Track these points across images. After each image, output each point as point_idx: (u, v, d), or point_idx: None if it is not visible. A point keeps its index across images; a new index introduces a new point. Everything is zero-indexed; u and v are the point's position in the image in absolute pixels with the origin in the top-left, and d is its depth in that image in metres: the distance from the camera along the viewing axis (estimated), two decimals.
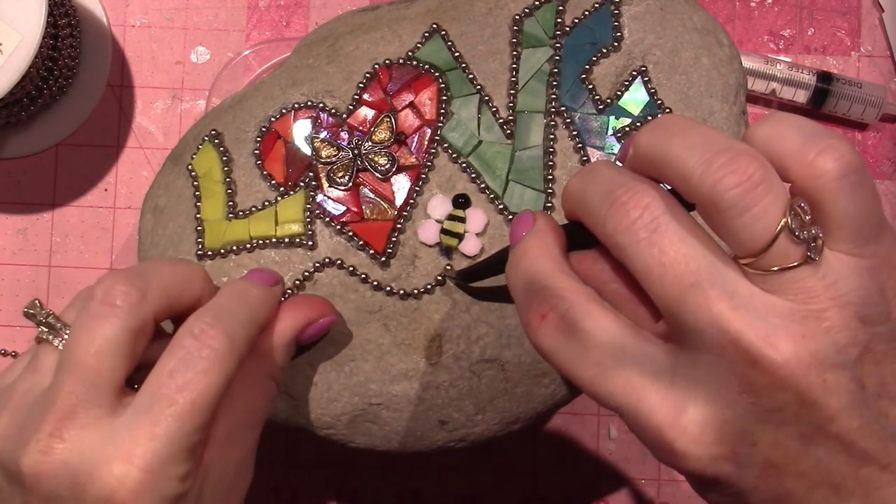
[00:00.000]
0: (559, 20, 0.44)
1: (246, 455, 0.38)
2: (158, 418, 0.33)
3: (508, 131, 0.44)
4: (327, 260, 0.43)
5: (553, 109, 0.44)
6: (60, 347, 0.36)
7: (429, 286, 0.43)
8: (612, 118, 0.44)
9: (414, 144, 0.44)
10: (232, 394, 0.37)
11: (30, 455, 0.33)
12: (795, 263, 0.28)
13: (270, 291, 0.40)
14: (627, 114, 0.44)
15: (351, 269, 0.43)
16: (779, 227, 0.27)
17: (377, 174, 0.43)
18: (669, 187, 0.30)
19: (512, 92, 0.44)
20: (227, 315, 0.36)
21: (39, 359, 0.36)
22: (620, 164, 0.32)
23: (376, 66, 0.44)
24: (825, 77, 0.56)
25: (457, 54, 0.44)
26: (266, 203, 0.44)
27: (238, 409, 0.37)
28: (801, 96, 0.56)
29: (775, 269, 0.28)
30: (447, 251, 0.43)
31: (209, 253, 0.43)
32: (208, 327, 0.35)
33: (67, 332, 0.36)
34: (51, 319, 0.36)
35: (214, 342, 0.35)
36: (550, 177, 0.43)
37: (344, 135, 0.44)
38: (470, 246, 0.43)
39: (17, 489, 0.34)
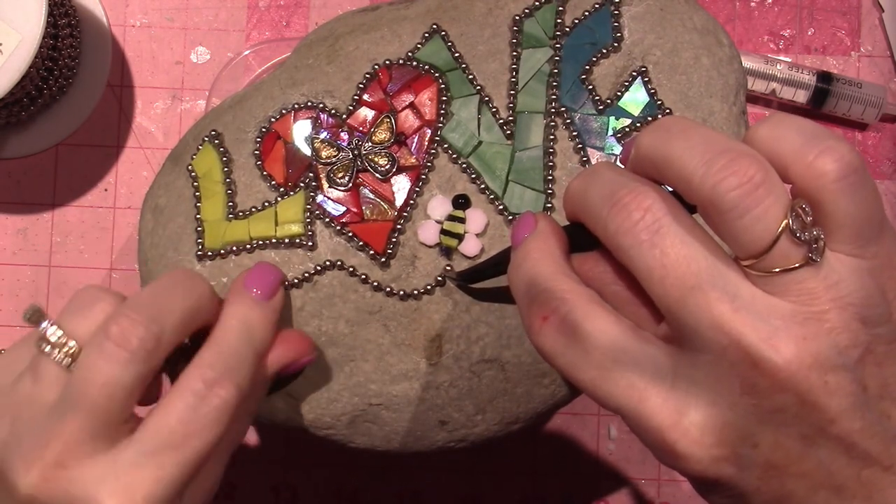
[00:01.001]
0: (559, 20, 0.44)
1: (213, 486, 0.38)
2: (164, 463, 0.34)
3: (508, 132, 0.44)
4: (328, 263, 0.43)
5: (553, 110, 0.44)
6: (63, 363, 0.36)
7: (429, 287, 0.43)
8: (612, 118, 0.44)
9: (414, 145, 0.44)
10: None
11: (31, 477, 0.34)
12: (797, 265, 0.28)
13: (270, 309, 0.40)
14: (627, 114, 0.44)
15: (351, 269, 0.43)
16: (780, 229, 0.27)
17: (377, 175, 0.43)
18: (671, 189, 0.30)
19: (512, 92, 0.44)
20: (236, 361, 0.37)
21: (41, 369, 0.36)
22: (622, 166, 0.32)
23: (376, 67, 0.44)
24: (825, 77, 0.56)
25: (457, 55, 0.44)
26: (266, 203, 0.44)
27: (219, 446, 0.38)
28: (801, 96, 0.56)
29: (776, 270, 0.28)
30: (447, 252, 0.43)
31: (209, 253, 0.43)
32: (220, 377, 0.36)
33: (70, 347, 0.36)
34: (50, 334, 0.36)
35: (224, 392, 0.36)
36: (550, 177, 0.43)
37: (344, 135, 0.44)
38: (470, 246, 0.43)
39: (6, 497, 0.34)
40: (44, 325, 0.36)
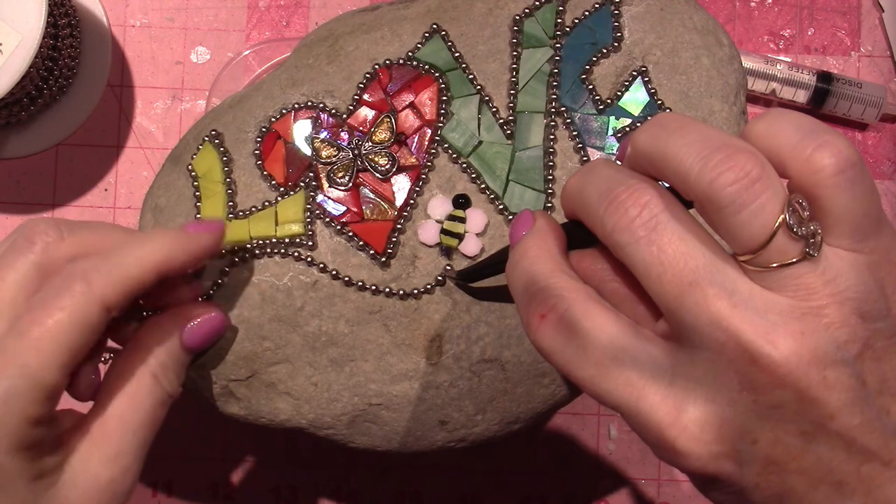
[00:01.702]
0: (559, 20, 0.44)
1: (119, 455, 0.37)
2: (17, 349, 0.34)
3: (508, 131, 0.44)
4: (322, 265, 0.43)
5: (553, 110, 0.44)
6: None
7: (429, 286, 0.43)
8: (612, 118, 0.44)
9: (414, 145, 0.44)
10: (107, 388, 0.38)
11: None
12: (794, 260, 0.28)
13: (185, 236, 0.39)
14: (628, 114, 0.44)
15: (347, 279, 0.43)
16: (777, 224, 0.27)
17: (377, 174, 0.43)
18: (668, 185, 0.30)
19: (512, 92, 0.44)
20: (106, 265, 0.36)
21: None
22: (619, 163, 0.32)
23: (376, 67, 0.44)
24: (825, 77, 0.56)
25: (457, 54, 0.44)
26: (266, 203, 0.44)
27: (115, 404, 0.37)
28: (801, 96, 0.56)
29: (774, 265, 0.28)
30: (447, 251, 0.43)
31: None
32: (73, 268, 0.36)
33: None
34: None
35: (76, 284, 0.35)
36: (550, 177, 0.43)
37: (344, 135, 0.44)
38: (470, 246, 0.43)
39: None
40: None
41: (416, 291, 0.43)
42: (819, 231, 0.28)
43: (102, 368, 0.39)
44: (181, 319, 0.40)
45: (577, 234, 0.33)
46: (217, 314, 0.41)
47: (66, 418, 0.38)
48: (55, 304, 0.35)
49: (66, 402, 0.37)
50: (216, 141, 0.45)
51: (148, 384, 0.39)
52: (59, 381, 0.35)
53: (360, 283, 0.43)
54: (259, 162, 0.44)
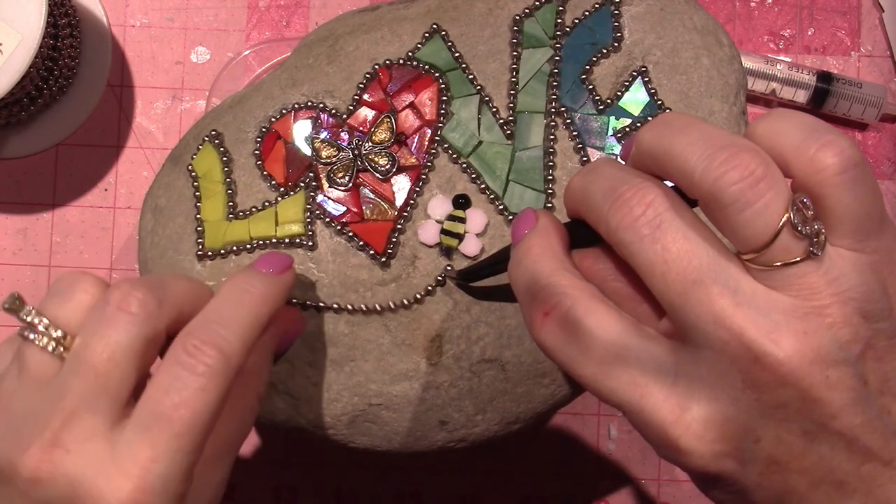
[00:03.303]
0: (559, 20, 0.44)
1: (223, 478, 0.37)
2: (158, 438, 0.32)
3: (508, 132, 0.44)
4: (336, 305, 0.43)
5: (553, 110, 0.44)
6: (48, 348, 0.34)
7: (429, 287, 0.43)
8: (612, 118, 0.44)
9: (414, 145, 0.44)
10: (222, 414, 0.36)
11: (30, 458, 0.32)
12: (798, 259, 0.28)
13: (276, 281, 0.38)
14: (628, 114, 0.44)
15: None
16: (781, 223, 0.27)
17: (377, 174, 0.43)
18: (672, 184, 0.30)
19: (512, 92, 0.44)
20: (221, 326, 0.35)
21: (27, 358, 0.34)
22: (623, 163, 0.32)
23: (376, 67, 0.44)
24: (825, 77, 0.56)
25: (457, 55, 0.44)
26: (266, 203, 0.44)
27: (226, 429, 0.36)
28: (801, 96, 0.56)
29: (778, 264, 0.28)
30: (447, 251, 0.43)
31: (209, 253, 0.43)
32: (201, 343, 0.34)
33: (55, 331, 0.34)
34: (33, 318, 0.34)
35: (208, 358, 0.33)
36: (550, 177, 0.43)
37: (344, 135, 0.44)
38: (470, 246, 0.43)
39: (5, 490, 0.33)
40: (25, 310, 0.34)
41: (417, 296, 0.43)
42: (822, 230, 0.28)
43: None
44: (277, 333, 0.39)
45: (580, 233, 0.33)
46: (301, 318, 0.41)
47: None
48: (195, 385, 0.33)
49: None
50: (216, 141, 0.45)
51: (254, 408, 0.38)
52: (201, 454, 0.34)
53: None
54: (259, 162, 0.44)
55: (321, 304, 0.43)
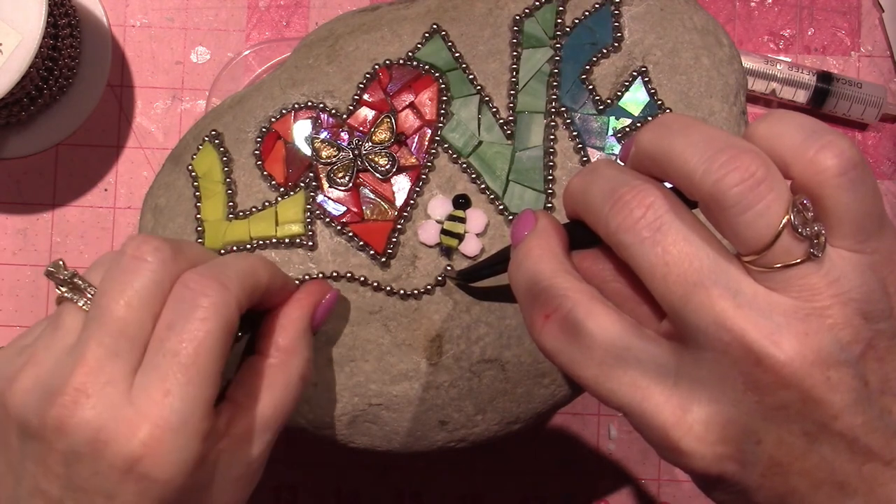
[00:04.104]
0: (559, 20, 0.44)
1: (259, 456, 0.37)
2: (167, 373, 0.33)
3: (508, 132, 0.44)
4: (335, 273, 0.43)
5: (553, 110, 0.44)
6: (84, 307, 0.35)
7: (429, 286, 0.43)
8: (612, 118, 0.44)
9: (414, 145, 0.44)
10: (255, 391, 0.37)
11: (55, 408, 0.33)
12: (798, 260, 0.28)
13: (272, 262, 0.39)
14: (628, 114, 0.44)
15: (349, 274, 0.43)
16: (782, 224, 0.27)
17: (377, 174, 0.43)
18: (671, 186, 0.30)
19: (512, 92, 0.44)
20: (221, 266, 0.36)
21: (62, 318, 0.35)
22: (622, 164, 0.32)
23: (376, 67, 0.44)
24: (825, 77, 0.56)
25: (457, 55, 0.44)
26: (266, 203, 0.44)
27: (261, 406, 0.37)
28: (801, 96, 0.56)
29: (778, 266, 0.28)
30: (447, 252, 0.43)
31: None
32: (200, 276, 0.35)
33: (91, 291, 0.35)
34: (76, 279, 0.36)
35: (209, 290, 0.34)
36: (550, 177, 0.43)
37: (344, 135, 0.44)
38: (470, 246, 0.43)
39: (34, 446, 0.33)
40: (65, 273, 0.36)
41: (416, 292, 0.43)
42: (823, 232, 0.28)
43: None
44: (306, 305, 0.40)
45: (579, 235, 0.33)
46: (331, 288, 0.41)
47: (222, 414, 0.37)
48: (197, 316, 0.34)
49: None
50: (216, 141, 0.45)
51: (295, 385, 0.38)
52: (217, 389, 0.35)
53: (361, 282, 0.43)
54: (259, 162, 0.44)
55: None
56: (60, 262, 0.36)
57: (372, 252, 0.43)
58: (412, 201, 0.43)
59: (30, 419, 0.33)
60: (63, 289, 0.36)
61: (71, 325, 0.35)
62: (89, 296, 0.35)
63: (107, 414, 0.33)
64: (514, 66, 0.44)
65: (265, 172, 0.44)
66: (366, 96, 0.44)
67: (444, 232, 0.43)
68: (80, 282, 0.36)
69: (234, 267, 0.37)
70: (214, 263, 0.37)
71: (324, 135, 0.44)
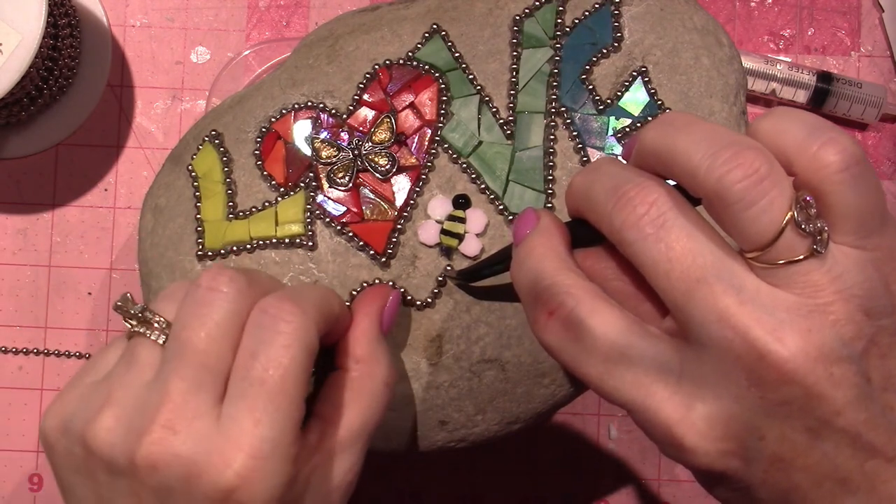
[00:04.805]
0: (559, 20, 0.44)
1: (353, 466, 0.37)
2: (255, 402, 0.33)
3: (508, 132, 0.44)
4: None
5: (553, 110, 0.44)
6: (159, 341, 0.35)
7: (429, 300, 0.43)
8: (612, 119, 0.44)
9: (414, 145, 0.44)
10: (342, 403, 0.37)
11: (144, 447, 0.33)
12: (801, 256, 0.28)
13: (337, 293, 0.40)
14: (628, 114, 0.44)
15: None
16: (785, 221, 0.27)
17: (377, 175, 0.43)
18: (674, 183, 0.30)
19: (512, 92, 0.44)
20: (296, 292, 0.36)
21: (137, 353, 0.35)
22: (625, 162, 0.33)
23: (376, 67, 0.44)
24: (825, 77, 0.56)
25: (457, 55, 0.44)
26: (266, 203, 0.44)
27: (349, 418, 0.37)
28: (801, 96, 0.56)
29: (781, 262, 0.28)
30: (447, 252, 0.43)
31: (209, 253, 0.43)
32: (278, 301, 0.35)
33: (158, 322, 0.35)
34: (146, 314, 0.36)
35: (288, 314, 0.34)
36: (550, 177, 0.43)
37: (344, 135, 0.44)
38: (470, 247, 0.43)
39: (125, 482, 0.33)
40: (136, 308, 0.36)
41: (419, 303, 0.43)
42: (826, 228, 0.28)
43: None
44: (373, 312, 0.40)
45: (581, 233, 0.33)
46: (390, 289, 0.42)
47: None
48: (280, 342, 0.34)
49: None
50: (216, 141, 0.45)
51: (381, 393, 0.39)
52: (303, 412, 0.35)
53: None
54: (259, 162, 0.44)
55: None
56: (129, 296, 0.36)
57: (372, 252, 0.43)
58: (412, 201, 0.43)
59: (117, 459, 0.33)
60: (133, 322, 0.36)
61: (147, 360, 0.35)
62: (157, 327, 0.35)
63: (198, 447, 0.33)
64: (514, 66, 0.44)
65: (265, 172, 0.44)
66: (366, 96, 0.44)
67: (444, 232, 0.43)
68: (150, 315, 0.36)
69: (309, 294, 0.37)
70: (289, 290, 0.37)
71: (324, 135, 0.44)
